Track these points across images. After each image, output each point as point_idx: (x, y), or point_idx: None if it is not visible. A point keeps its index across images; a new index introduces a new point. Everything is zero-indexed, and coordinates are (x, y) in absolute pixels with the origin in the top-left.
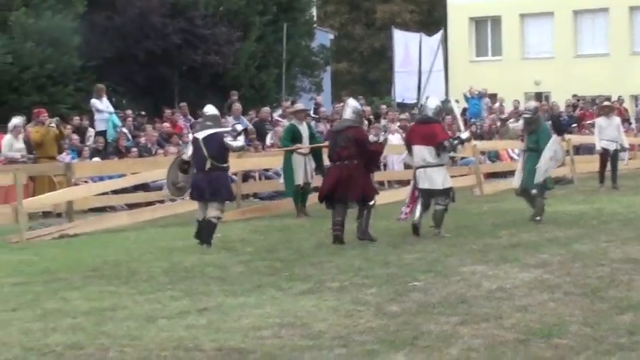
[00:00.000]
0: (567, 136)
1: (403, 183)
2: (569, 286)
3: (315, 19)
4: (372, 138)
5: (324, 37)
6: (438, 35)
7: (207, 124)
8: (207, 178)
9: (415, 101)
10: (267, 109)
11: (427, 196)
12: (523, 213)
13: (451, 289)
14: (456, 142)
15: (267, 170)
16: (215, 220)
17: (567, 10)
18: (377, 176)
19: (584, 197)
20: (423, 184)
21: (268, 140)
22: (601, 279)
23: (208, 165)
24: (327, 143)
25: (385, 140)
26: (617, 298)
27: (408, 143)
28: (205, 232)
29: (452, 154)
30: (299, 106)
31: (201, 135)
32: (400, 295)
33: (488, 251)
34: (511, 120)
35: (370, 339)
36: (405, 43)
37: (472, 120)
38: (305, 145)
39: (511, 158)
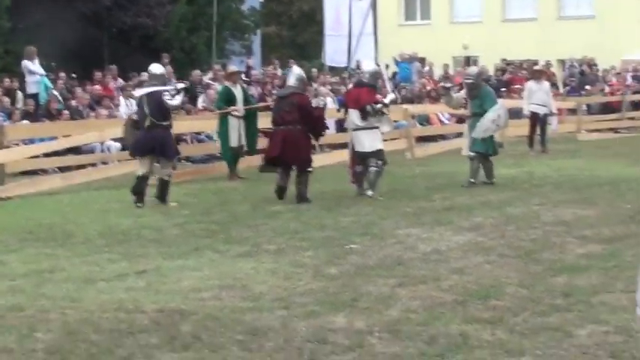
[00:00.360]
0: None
1: (335, 146)
2: (504, 249)
3: None
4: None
5: (254, 0)
6: None
7: (152, 83)
8: (148, 136)
9: (345, 65)
10: (197, 72)
11: (361, 158)
12: (455, 176)
13: (387, 251)
14: (378, 106)
15: (199, 134)
16: (167, 178)
17: None
18: None
19: (514, 161)
20: (357, 147)
21: (200, 103)
22: (534, 241)
23: (147, 122)
24: (261, 105)
25: (325, 105)
26: (551, 260)
27: (345, 106)
28: (160, 191)
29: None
30: (233, 68)
31: (142, 92)
32: (337, 258)
33: (422, 214)
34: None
35: (310, 301)
36: (336, 7)
37: (402, 84)
38: (239, 107)
39: (441, 122)
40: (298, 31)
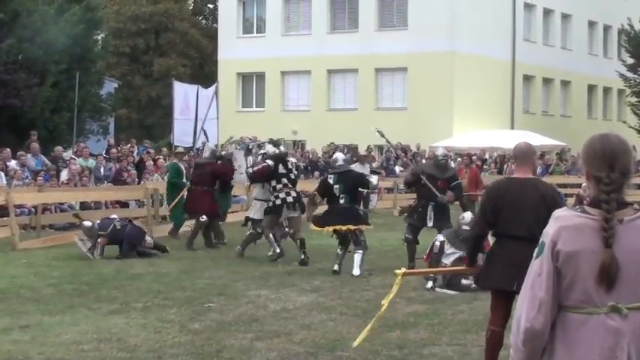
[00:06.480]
0: None
1: None
2: (343, 308)
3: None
4: None
5: (110, 86)
6: (213, 87)
7: None
8: None
9: (191, 145)
10: (60, 148)
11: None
12: (292, 244)
13: (242, 309)
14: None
15: (62, 204)
16: None
17: (322, 70)
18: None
19: None
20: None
21: (64, 177)
22: (368, 302)
23: None
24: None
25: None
26: (385, 318)
27: None
28: None
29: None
30: (180, 149)
31: None
32: (199, 315)
33: (268, 277)
34: None
35: (180, 352)
36: (184, 94)
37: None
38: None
39: None
40: (146, 114)
